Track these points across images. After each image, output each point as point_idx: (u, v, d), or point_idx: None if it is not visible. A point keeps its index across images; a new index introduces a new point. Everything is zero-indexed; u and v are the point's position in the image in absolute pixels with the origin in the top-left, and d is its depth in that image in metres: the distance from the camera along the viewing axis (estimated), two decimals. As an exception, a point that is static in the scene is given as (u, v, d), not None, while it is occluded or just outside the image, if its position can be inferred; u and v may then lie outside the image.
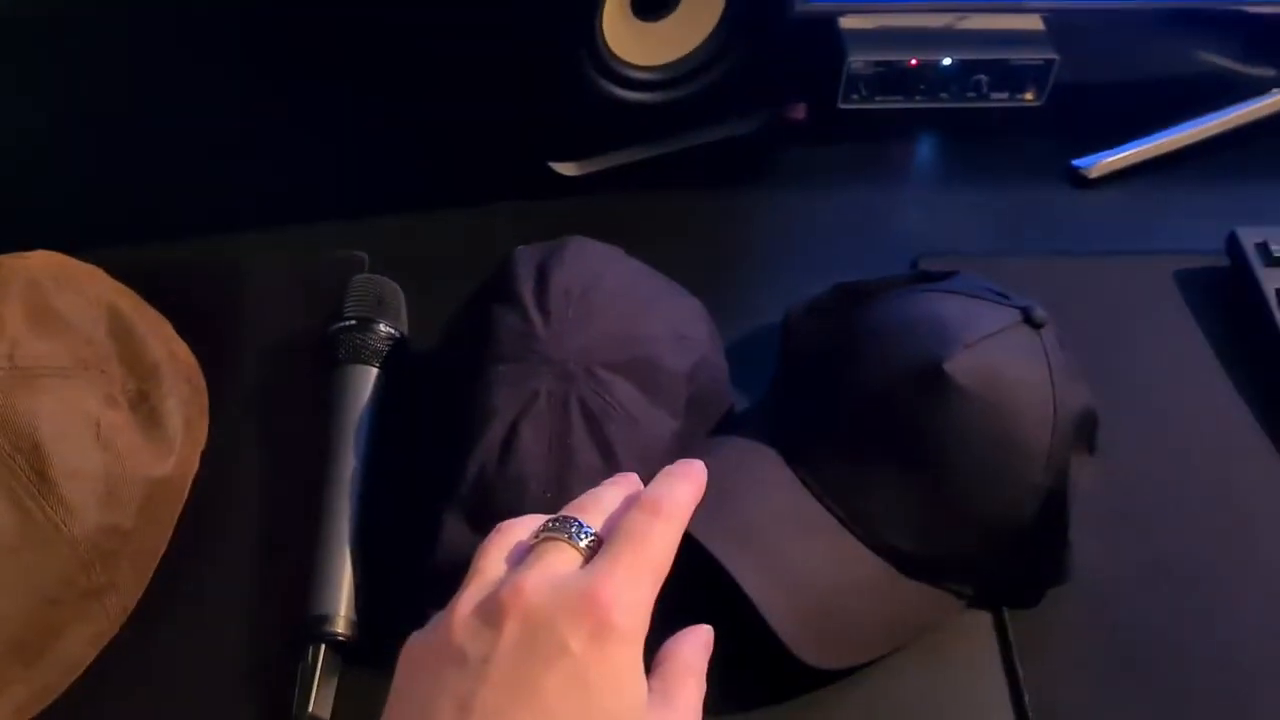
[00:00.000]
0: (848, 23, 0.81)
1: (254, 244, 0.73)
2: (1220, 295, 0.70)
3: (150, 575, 0.56)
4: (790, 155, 0.81)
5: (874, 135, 0.82)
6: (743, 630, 0.49)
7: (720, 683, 0.44)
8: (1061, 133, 0.81)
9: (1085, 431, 0.57)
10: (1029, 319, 0.56)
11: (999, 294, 0.58)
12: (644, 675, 0.39)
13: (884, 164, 0.81)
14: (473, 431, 0.53)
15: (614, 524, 0.41)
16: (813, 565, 0.53)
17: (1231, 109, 0.81)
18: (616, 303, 0.57)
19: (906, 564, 0.55)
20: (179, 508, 0.58)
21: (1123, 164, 0.78)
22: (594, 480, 0.46)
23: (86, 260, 0.63)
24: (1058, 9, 0.80)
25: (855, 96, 0.82)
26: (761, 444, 0.58)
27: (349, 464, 0.58)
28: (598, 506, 0.43)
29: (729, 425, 0.61)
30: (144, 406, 0.58)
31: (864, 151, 0.81)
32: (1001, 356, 0.54)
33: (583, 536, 0.40)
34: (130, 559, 0.55)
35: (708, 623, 0.45)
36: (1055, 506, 0.54)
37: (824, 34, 0.82)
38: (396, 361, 0.62)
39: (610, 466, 0.53)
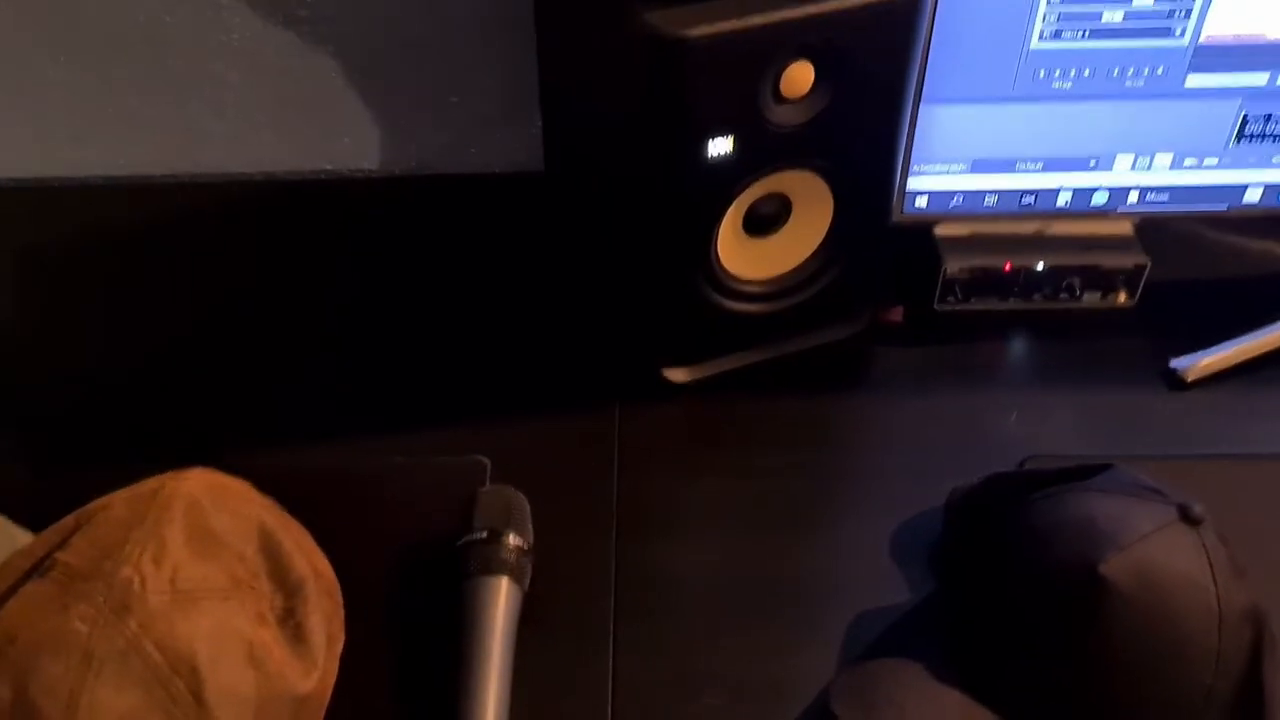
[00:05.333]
0: (943, 230, 0.84)
1: (376, 449, 0.76)
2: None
3: (292, 796, 0.57)
4: (889, 357, 0.83)
5: (970, 336, 0.84)
6: None
7: None
8: (1156, 333, 0.83)
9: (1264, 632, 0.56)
10: (1186, 516, 0.56)
11: (1154, 490, 0.59)
12: None
13: (981, 365, 0.83)
14: None
15: None
16: None
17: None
18: None
19: None
20: (319, 725, 0.59)
21: (1221, 365, 0.80)
22: None
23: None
24: (1147, 214, 0.83)
25: (951, 299, 0.85)
26: (929, 645, 0.60)
27: (485, 681, 0.59)
28: None
29: (894, 626, 0.63)
30: (290, 623, 0.59)
31: (960, 353, 0.83)
32: (1159, 556, 0.55)
33: None
34: (274, 779, 0.56)
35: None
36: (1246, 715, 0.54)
37: (920, 241, 0.85)
38: (525, 572, 0.64)
39: None
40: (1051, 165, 0.79)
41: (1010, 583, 0.59)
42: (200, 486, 0.60)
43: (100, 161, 0.97)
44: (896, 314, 0.85)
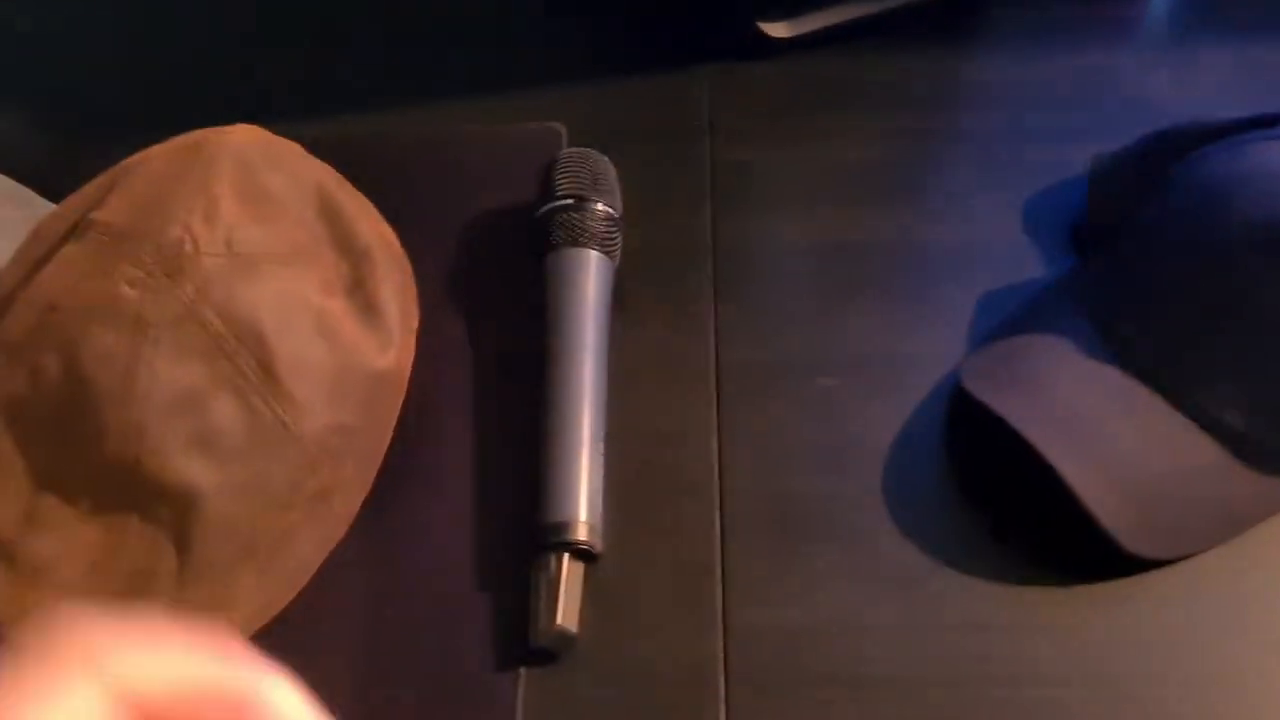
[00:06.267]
0: None
1: (441, 117, 0.67)
2: None
3: (374, 477, 0.52)
4: (1018, 12, 0.72)
5: (1110, -14, 0.73)
6: (1063, 518, 0.48)
7: (1036, 564, 0.49)
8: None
9: None
10: None
11: None
12: None
13: (1124, 19, 0.72)
14: None
15: None
16: (1136, 447, 0.48)
17: None
18: None
19: (1245, 447, 0.49)
20: (399, 403, 0.54)
21: None
22: None
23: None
24: None
25: (1091, -59, 0.73)
26: (1073, 317, 0.53)
27: (579, 355, 0.53)
28: None
29: (1030, 300, 0.57)
30: (360, 294, 0.53)
31: (1100, 5, 0.72)
32: None
33: None
34: (355, 459, 0.51)
35: (1023, 508, 0.51)
36: None
37: None
38: (614, 243, 0.57)
39: None
40: None
41: (1177, 247, 0.52)
42: (248, 142, 0.52)
43: None
44: (1026, -40, 0.73)
